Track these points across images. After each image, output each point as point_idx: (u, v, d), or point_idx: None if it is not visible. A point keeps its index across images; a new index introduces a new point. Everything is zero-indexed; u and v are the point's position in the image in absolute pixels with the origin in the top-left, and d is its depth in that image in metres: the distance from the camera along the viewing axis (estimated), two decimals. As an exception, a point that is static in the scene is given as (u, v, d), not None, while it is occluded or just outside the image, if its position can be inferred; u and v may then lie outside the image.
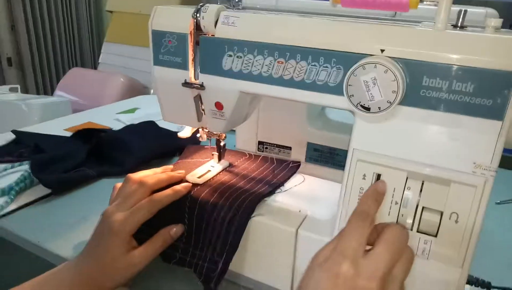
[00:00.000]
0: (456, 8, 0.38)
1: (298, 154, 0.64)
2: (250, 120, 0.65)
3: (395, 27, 0.38)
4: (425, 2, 0.45)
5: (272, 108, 0.63)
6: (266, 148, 0.68)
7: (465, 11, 0.37)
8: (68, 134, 0.90)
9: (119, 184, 0.51)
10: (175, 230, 0.48)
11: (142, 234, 0.47)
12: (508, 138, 0.35)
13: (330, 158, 0.64)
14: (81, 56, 2.72)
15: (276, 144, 0.66)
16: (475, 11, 0.45)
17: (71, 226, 0.60)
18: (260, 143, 0.68)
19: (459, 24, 0.37)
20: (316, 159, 0.65)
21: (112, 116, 1.07)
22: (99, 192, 0.69)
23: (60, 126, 0.98)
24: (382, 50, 0.37)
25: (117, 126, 0.97)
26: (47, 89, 2.53)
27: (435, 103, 0.36)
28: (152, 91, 1.97)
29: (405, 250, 0.34)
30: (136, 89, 1.88)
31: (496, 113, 0.34)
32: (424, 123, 0.37)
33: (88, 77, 2.01)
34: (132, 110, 1.12)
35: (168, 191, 0.48)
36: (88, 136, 0.84)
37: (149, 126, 0.86)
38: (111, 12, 2.32)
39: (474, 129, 0.35)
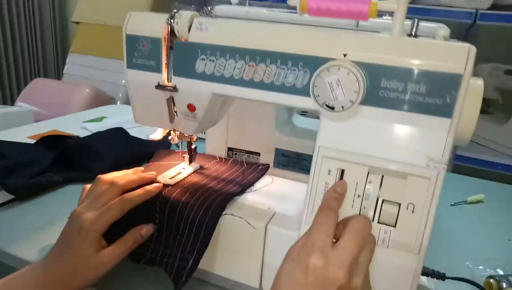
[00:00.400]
0: (409, 22, 0.42)
1: (266, 159, 0.66)
2: (220, 127, 0.67)
3: (356, 34, 0.41)
4: (383, 17, 0.49)
5: (242, 115, 0.65)
6: (236, 153, 0.70)
7: (418, 22, 0.41)
8: (32, 141, 0.88)
9: (88, 186, 0.51)
10: (145, 229, 0.49)
11: (112, 234, 0.47)
12: (457, 134, 0.39)
13: (297, 163, 0.67)
14: (44, 67, 2.65)
15: (245, 150, 0.68)
16: (427, 25, 0.50)
17: (36, 230, 0.59)
18: (229, 149, 0.69)
19: (413, 33, 0.41)
20: (284, 164, 0.68)
21: (79, 125, 1.06)
22: (65, 198, 0.69)
23: (23, 134, 0.95)
24: (345, 55, 0.40)
25: (83, 134, 0.95)
26: (7, 101, 2.43)
27: (393, 103, 0.40)
28: (118, 102, 1.95)
29: (368, 239, 0.37)
30: (102, 100, 1.85)
31: (446, 111, 0.38)
32: (383, 121, 0.40)
33: (52, 88, 1.96)
34: (99, 119, 1.11)
35: (139, 190, 0.49)
36: (54, 143, 0.83)
37: (118, 132, 0.86)
38: (77, 23, 2.29)
39: (427, 126, 0.39)
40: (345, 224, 0.38)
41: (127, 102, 1.92)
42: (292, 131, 0.68)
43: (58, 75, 2.69)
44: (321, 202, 0.42)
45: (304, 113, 1.42)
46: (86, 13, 2.23)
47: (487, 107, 1.63)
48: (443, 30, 0.41)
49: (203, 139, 0.70)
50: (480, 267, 0.57)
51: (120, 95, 2.01)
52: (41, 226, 0.60)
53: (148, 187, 0.50)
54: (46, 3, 2.57)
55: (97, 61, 2.11)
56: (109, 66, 2.05)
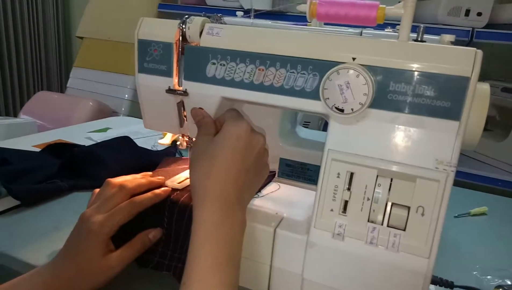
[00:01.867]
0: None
1: (271, 169, 0.66)
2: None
3: (365, 39, 0.42)
4: (385, 30, 0.50)
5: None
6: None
7: (424, 27, 0.42)
8: (37, 150, 0.88)
9: (98, 190, 0.51)
10: (153, 233, 0.49)
11: (119, 238, 0.47)
12: (464, 137, 0.40)
13: (302, 172, 0.67)
14: (47, 81, 2.67)
15: (250, 159, 0.69)
16: (430, 37, 0.51)
17: (41, 235, 0.58)
18: (234, 158, 0.70)
19: (419, 39, 0.42)
20: (289, 174, 0.68)
21: (83, 135, 1.06)
22: (71, 204, 0.68)
23: (27, 143, 0.95)
24: (354, 58, 0.41)
25: (88, 144, 0.96)
26: (10, 114, 2.45)
27: (401, 106, 0.40)
28: (121, 116, 1.96)
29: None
30: (106, 113, 1.86)
31: (454, 114, 0.39)
32: (392, 124, 0.41)
33: (56, 101, 1.97)
34: (104, 129, 1.12)
35: (148, 194, 0.49)
36: (60, 151, 0.83)
37: (124, 141, 0.86)
38: (81, 38, 2.33)
39: (435, 129, 0.40)
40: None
41: (130, 115, 1.93)
42: (296, 141, 0.69)
43: (61, 89, 2.71)
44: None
45: (306, 124, 1.44)
46: (90, 29, 2.26)
47: (485, 124, 1.65)
48: (449, 36, 0.42)
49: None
50: (488, 277, 0.57)
51: (123, 109, 2.02)
52: (46, 232, 0.59)
53: (157, 191, 0.50)
54: (51, 18, 2.62)
55: (100, 75, 2.13)
56: (112, 80, 2.07)
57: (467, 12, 1.44)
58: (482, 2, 1.43)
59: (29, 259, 0.53)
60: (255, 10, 1.01)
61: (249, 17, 0.66)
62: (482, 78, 0.37)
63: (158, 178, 0.53)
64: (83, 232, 0.45)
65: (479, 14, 1.44)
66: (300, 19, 0.54)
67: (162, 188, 0.51)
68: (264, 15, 1.55)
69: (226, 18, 0.58)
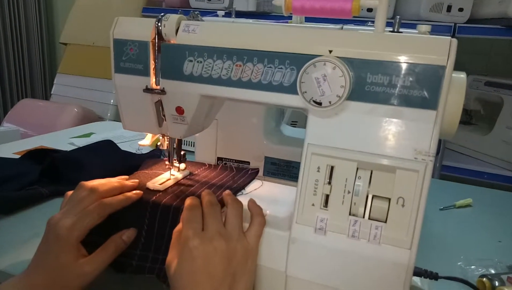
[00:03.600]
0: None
1: (255, 167, 0.66)
2: (209, 137, 0.67)
3: (340, 31, 0.42)
4: (367, 25, 0.50)
5: (230, 125, 0.66)
6: (225, 163, 0.69)
7: (400, 19, 0.42)
8: (18, 157, 0.86)
9: (70, 192, 0.50)
10: (127, 234, 0.48)
11: (96, 244, 0.46)
12: (442, 126, 0.40)
13: (287, 170, 0.67)
14: (31, 88, 2.64)
15: (235, 159, 0.68)
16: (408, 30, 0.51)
17: (20, 243, 0.57)
18: (219, 159, 0.69)
19: (395, 30, 0.42)
20: (274, 173, 0.67)
21: (66, 141, 1.05)
22: (52, 211, 0.66)
23: (8, 151, 0.94)
24: (330, 51, 0.41)
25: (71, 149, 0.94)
26: (-7, 122, 2.41)
27: (379, 97, 0.40)
28: (107, 120, 1.94)
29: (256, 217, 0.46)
30: (91, 119, 1.84)
31: (431, 103, 0.39)
32: (370, 115, 0.41)
33: (40, 108, 1.94)
34: (87, 135, 1.10)
35: (118, 196, 0.48)
36: (41, 157, 0.81)
37: (107, 145, 0.85)
38: (65, 44, 2.30)
39: (413, 119, 0.40)
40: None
41: (116, 120, 1.91)
42: (281, 139, 0.69)
43: (46, 96, 2.67)
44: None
45: (294, 123, 1.44)
46: (74, 34, 2.24)
47: (470, 118, 1.67)
48: (425, 27, 0.42)
49: (193, 152, 0.70)
50: (472, 267, 0.57)
51: (109, 114, 2.00)
52: (25, 239, 0.58)
53: (128, 193, 0.49)
54: (34, 25, 2.58)
55: (85, 81, 2.11)
56: (97, 86, 2.05)
57: (449, 8, 1.46)
58: (463, -2, 1.45)
59: (8, 268, 0.52)
60: (237, 11, 1.01)
61: (230, 16, 0.66)
62: (466, 73, 0.37)
63: (132, 181, 0.52)
64: (51, 238, 0.44)
65: (461, 9, 1.45)
66: (282, 18, 0.54)
67: (134, 191, 0.50)
68: (247, 15, 1.55)
69: (207, 18, 0.58)
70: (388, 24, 0.40)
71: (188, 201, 0.47)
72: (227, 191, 0.49)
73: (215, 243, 0.42)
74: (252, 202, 0.48)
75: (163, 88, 0.49)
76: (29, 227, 0.61)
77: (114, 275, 0.48)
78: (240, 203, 0.47)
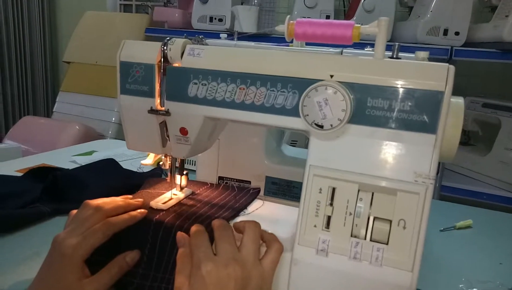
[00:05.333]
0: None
1: (256, 186, 0.67)
2: (211, 156, 0.68)
3: (342, 57, 0.43)
4: (365, 49, 0.52)
5: (232, 144, 0.66)
6: (227, 183, 0.70)
7: (399, 45, 0.44)
8: (20, 175, 0.87)
9: (75, 211, 0.50)
10: (131, 256, 0.48)
11: (100, 263, 0.46)
12: (442, 149, 0.40)
13: (288, 190, 0.68)
14: (34, 106, 2.66)
15: (236, 179, 0.69)
16: (406, 55, 0.53)
17: (21, 262, 0.57)
18: (220, 178, 0.70)
19: (394, 56, 0.44)
20: (275, 192, 0.68)
21: (68, 158, 1.05)
22: (53, 229, 0.67)
23: (10, 168, 0.94)
24: (332, 76, 0.42)
25: (73, 168, 0.95)
26: (-6, 139, 2.42)
27: (379, 121, 0.41)
28: (108, 138, 1.95)
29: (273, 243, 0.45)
30: (92, 137, 1.85)
31: (430, 128, 0.40)
32: (371, 138, 0.42)
33: (42, 125, 1.95)
34: (89, 153, 1.11)
35: (123, 215, 0.49)
36: (43, 175, 0.82)
37: (109, 164, 0.86)
38: (68, 62, 2.33)
39: (413, 143, 0.40)
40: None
41: (117, 138, 1.92)
42: (282, 159, 0.70)
43: (48, 114, 2.69)
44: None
45: (294, 143, 1.45)
46: (77, 53, 2.27)
47: (468, 139, 1.68)
48: (423, 53, 0.44)
49: (194, 171, 0.70)
50: (474, 289, 0.57)
51: (110, 132, 2.01)
52: (26, 258, 0.58)
53: (133, 213, 0.49)
54: (38, 43, 2.62)
55: (87, 99, 2.13)
56: (99, 104, 2.07)
57: (446, 32, 1.49)
58: (459, 22, 1.48)
59: (8, 287, 0.51)
60: (239, 33, 1.03)
61: (233, 39, 0.67)
62: (463, 95, 0.38)
63: (136, 200, 0.53)
64: (56, 256, 0.44)
65: (457, 33, 1.49)
66: (283, 40, 0.56)
67: (139, 210, 0.50)
68: (249, 37, 1.58)
69: (210, 41, 0.59)
70: (387, 47, 0.42)
71: (193, 229, 0.46)
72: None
73: (229, 269, 0.40)
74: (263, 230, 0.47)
75: (168, 109, 0.50)
76: (30, 245, 0.61)
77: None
78: (258, 227, 0.46)
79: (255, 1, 1.91)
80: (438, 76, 0.39)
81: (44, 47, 2.68)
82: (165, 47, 0.49)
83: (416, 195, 0.40)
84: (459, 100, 0.42)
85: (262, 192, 0.66)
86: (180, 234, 0.46)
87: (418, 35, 1.49)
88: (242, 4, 1.87)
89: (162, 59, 0.49)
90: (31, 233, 0.65)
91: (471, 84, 1.76)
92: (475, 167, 1.54)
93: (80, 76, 2.23)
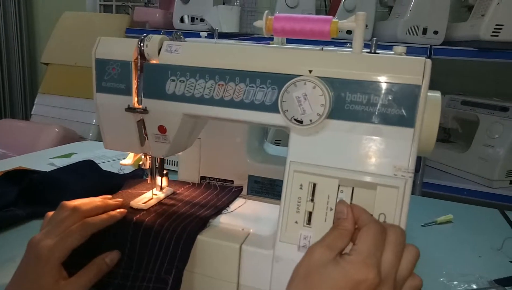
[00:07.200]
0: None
1: (239, 185, 0.66)
2: (192, 156, 0.67)
3: (320, 52, 0.43)
4: (347, 46, 0.52)
5: (213, 144, 0.66)
6: (209, 182, 0.69)
7: (377, 40, 0.44)
8: (-5, 178, 0.84)
9: (51, 213, 0.48)
10: (110, 257, 0.47)
11: (78, 265, 0.45)
12: (420, 143, 0.41)
13: (271, 189, 0.67)
14: (11, 108, 2.59)
15: (218, 178, 0.68)
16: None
17: (-5, 268, 0.55)
18: (202, 178, 0.69)
19: (372, 51, 0.44)
20: (258, 191, 0.67)
21: (46, 161, 1.03)
22: (29, 233, 0.64)
23: (-15, 172, 0.91)
24: (310, 71, 0.42)
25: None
26: (-31, 144, 2.34)
27: (358, 116, 0.41)
28: (89, 140, 1.91)
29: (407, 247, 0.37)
30: (72, 139, 1.80)
31: (409, 121, 0.40)
32: (350, 133, 0.42)
33: (20, 128, 1.91)
34: (68, 155, 1.08)
35: (102, 215, 0.48)
36: (19, 178, 0.79)
37: (87, 165, 0.84)
38: (46, 64, 2.28)
39: (392, 137, 0.41)
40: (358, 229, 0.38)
41: (98, 140, 1.89)
42: (264, 158, 0.69)
43: (26, 117, 2.63)
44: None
45: (277, 142, 1.44)
46: (55, 54, 2.22)
47: (448, 136, 1.71)
48: (401, 48, 0.44)
49: (176, 171, 0.69)
50: (455, 282, 0.58)
51: (91, 134, 1.98)
52: (0, 264, 0.56)
53: (112, 212, 0.48)
54: (14, 44, 2.56)
55: (67, 101, 2.09)
56: (79, 106, 2.03)
57: (425, 31, 1.51)
58: (437, 21, 1.51)
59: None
60: (220, 32, 1.02)
61: (213, 37, 0.67)
62: (442, 93, 0.38)
63: (115, 200, 0.51)
64: (31, 259, 0.42)
65: (436, 32, 1.51)
66: (264, 40, 0.55)
67: (118, 210, 0.49)
68: (230, 37, 1.57)
69: (190, 39, 0.59)
70: (366, 46, 0.42)
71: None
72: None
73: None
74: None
75: (145, 107, 0.49)
76: (5, 251, 0.59)
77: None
78: (403, 236, 0.38)
79: (237, 1, 1.91)
80: (415, 70, 0.39)
81: (21, 48, 2.62)
82: (141, 44, 0.48)
83: (396, 189, 0.40)
84: (436, 94, 0.42)
85: (245, 191, 0.66)
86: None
87: (398, 34, 1.51)
88: (224, 4, 1.86)
89: (139, 56, 0.48)
90: (5, 237, 0.63)
91: (449, 83, 1.79)
92: (455, 164, 1.57)
93: (59, 77, 2.18)
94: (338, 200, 0.42)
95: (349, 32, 0.48)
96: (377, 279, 0.33)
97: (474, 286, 0.56)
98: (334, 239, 0.37)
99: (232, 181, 0.67)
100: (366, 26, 1.56)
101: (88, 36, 2.14)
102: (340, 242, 0.37)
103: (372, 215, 0.41)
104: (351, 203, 0.42)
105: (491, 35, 1.37)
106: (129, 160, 0.56)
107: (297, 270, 0.36)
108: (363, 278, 0.33)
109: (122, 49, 0.49)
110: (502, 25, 1.37)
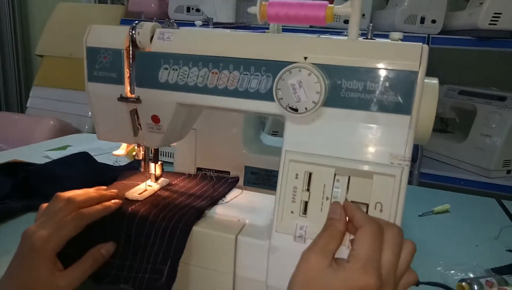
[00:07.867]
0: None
1: (235, 175, 0.65)
2: (188, 147, 0.66)
3: (315, 39, 0.42)
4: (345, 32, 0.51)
5: (209, 134, 0.65)
6: (205, 173, 0.69)
7: (373, 26, 0.43)
8: (-10, 171, 0.83)
9: (46, 204, 0.48)
10: (106, 248, 0.46)
11: (74, 256, 0.44)
12: (417, 131, 0.40)
13: (267, 179, 0.67)
14: (6, 101, 2.57)
15: (215, 169, 0.68)
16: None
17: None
18: (198, 169, 0.68)
19: (368, 37, 0.43)
20: (254, 182, 0.67)
21: (41, 154, 1.02)
22: (24, 226, 0.64)
23: (-20, 165, 0.90)
24: (306, 58, 0.41)
25: (46, 162, 0.92)
26: (-35, 137, 2.33)
27: (354, 103, 0.40)
28: (85, 133, 1.90)
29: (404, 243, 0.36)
30: (68, 132, 1.79)
31: (405, 109, 0.39)
32: (346, 121, 0.41)
33: (15, 121, 1.89)
34: (63, 147, 1.07)
35: (97, 206, 0.47)
36: (14, 171, 0.79)
37: (82, 157, 0.83)
38: (41, 56, 2.26)
39: (388, 124, 0.40)
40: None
41: (94, 132, 1.88)
42: (261, 148, 0.68)
43: (21, 109, 2.61)
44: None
45: (275, 133, 1.44)
46: (50, 46, 2.20)
47: (446, 126, 1.70)
48: (397, 34, 0.43)
49: (172, 163, 0.69)
50: (452, 271, 0.57)
51: (87, 127, 1.96)
52: (-5, 256, 0.55)
53: (107, 203, 0.48)
54: (8, 37, 2.53)
55: (62, 94, 2.07)
56: (75, 98, 2.01)
57: (422, 20, 1.50)
58: (435, 10, 1.49)
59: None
60: (215, 22, 1.01)
61: (208, 26, 0.66)
62: (440, 82, 0.37)
63: (110, 191, 0.51)
64: (26, 250, 0.42)
65: (434, 21, 1.50)
66: (260, 29, 0.54)
67: (113, 201, 0.49)
68: (225, 27, 1.55)
69: (185, 28, 0.57)
70: (363, 35, 0.41)
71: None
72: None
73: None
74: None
75: (138, 96, 0.48)
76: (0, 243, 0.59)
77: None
78: (401, 236, 0.37)
79: (233, -9, 1.88)
80: (412, 56, 0.38)
81: (16, 40, 2.59)
82: (133, 31, 0.47)
83: (392, 178, 0.40)
84: (434, 81, 0.42)
85: (241, 182, 0.65)
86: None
87: (396, 23, 1.50)
88: (220, -7, 1.84)
89: (130, 44, 0.47)
90: (0, 230, 0.62)
91: (447, 72, 1.78)
92: (452, 154, 1.57)
93: (54, 69, 2.16)
94: (333, 190, 0.42)
95: (346, 21, 0.47)
96: (378, 283, 0.33)
97: (471, 275, 0.56)
98: (326, 242, 0.36)
99: (229, 172, 0.67)
100: (364, 15, 1.55)
101: (83, 27, 2.11)
102: (332, 244, 0.36)
103: (367, 213, 0.40)
104: (347, 192, 0.42)
105: (489, 24, 1.36)
106: (122, 150, 0.55)
107: (294, 278, 0.36)
108: (364, 285, 0.33)
109: (114, 37, 0.48)
110: (500, 13, 1.35)
